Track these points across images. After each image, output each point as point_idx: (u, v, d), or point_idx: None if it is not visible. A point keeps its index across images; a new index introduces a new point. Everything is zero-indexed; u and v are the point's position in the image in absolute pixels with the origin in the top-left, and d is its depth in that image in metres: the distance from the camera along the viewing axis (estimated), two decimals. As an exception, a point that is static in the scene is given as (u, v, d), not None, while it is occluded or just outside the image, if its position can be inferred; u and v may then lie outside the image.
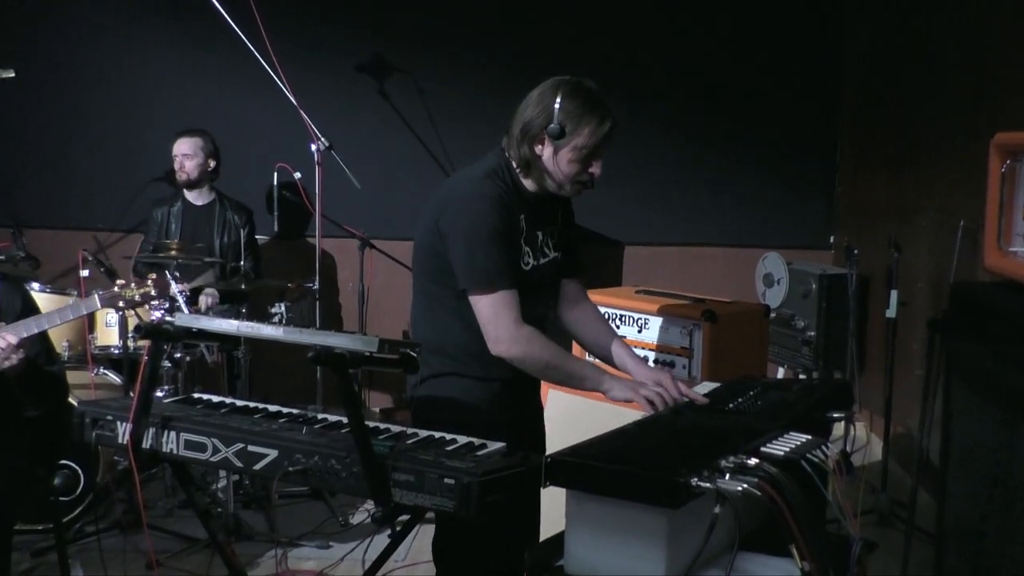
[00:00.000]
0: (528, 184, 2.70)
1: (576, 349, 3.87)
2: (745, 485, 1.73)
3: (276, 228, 5.38)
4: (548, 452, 1.93)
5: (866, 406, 5.71)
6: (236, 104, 6.12)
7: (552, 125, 2.57)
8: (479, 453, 2.26)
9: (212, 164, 5.44)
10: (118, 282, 3.45)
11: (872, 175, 5.95)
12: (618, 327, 3.81)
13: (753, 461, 1.82)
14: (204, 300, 5.13)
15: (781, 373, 5.72)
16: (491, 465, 2.13)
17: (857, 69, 6.22)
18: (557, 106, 2.57)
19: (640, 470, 1.78)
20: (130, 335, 4.57)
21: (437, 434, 2.42)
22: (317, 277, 5.15)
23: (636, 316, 3.82)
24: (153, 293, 3.45)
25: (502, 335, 2.56)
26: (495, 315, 2.56)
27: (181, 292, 4.47)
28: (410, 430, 2.45)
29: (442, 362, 2.70)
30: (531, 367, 2.61)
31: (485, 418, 2.66)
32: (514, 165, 2.68)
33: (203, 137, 5.41)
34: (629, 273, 6.37)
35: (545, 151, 2.62)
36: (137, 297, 3.43)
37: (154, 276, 3.49)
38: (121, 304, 3.46)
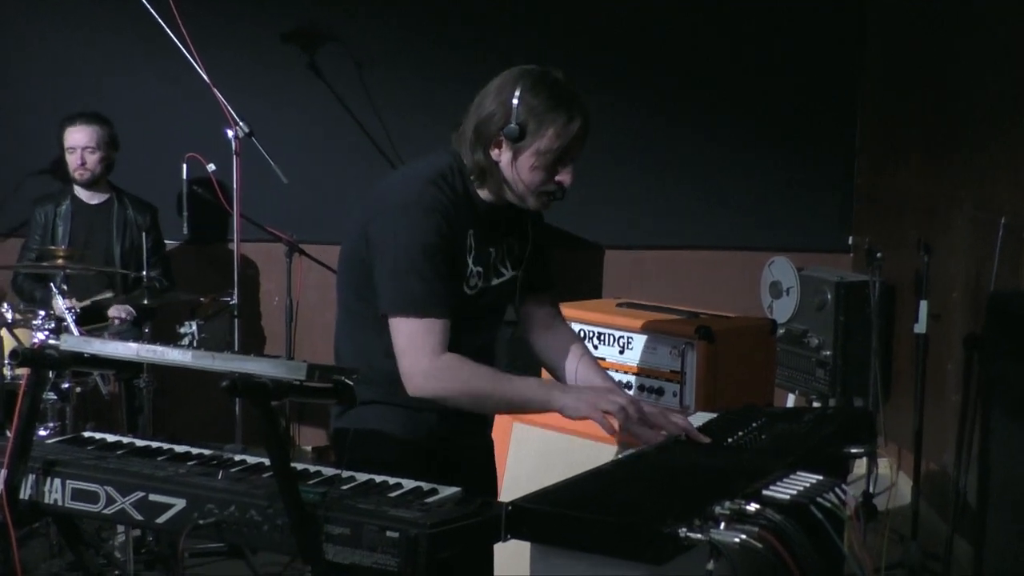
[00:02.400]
0: (483, 193, 2.69)
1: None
2: (744, 535, 1.75)
3: (186, 231, 5.35)
4: (512, 498, 1.94)
5: (892, 439, 5.76)
6: (134, 82, 6.07)
7: (510, 125, 2.56)
8: (428, 500, 2.26)
9: (113, 156, 5.43)
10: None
11: (898, 164, 6.01)
12: (595, 347, 3.83)
13: (753, 507, 1.84)
14: (118, 312, 5.10)
15: (791, 400, 5.76)
16: (443, 515, 2.13)
17: (879, 40, 6.29)
18: (516, 102, 2.55)
19: (618, 519, 1.79)
20: (6, 362, 4.53)
21: (378, 478, 2.42)
22: (235, 290, 5.13)
23: (617, 334, 3.84)
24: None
25: (415, 370, 2.56)
26: (411, 346, 2.56)
27: (70, 309, 4.43)
28: (346, 473, 2.45)
29: (365, 388, 2.70)
30: (459, 403, 2.60)
31: (417, 456, 2.67)
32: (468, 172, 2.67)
33: (102, 125, 5.37)
34: (609, 282, 6.40)
35: (503, 156, 2.61)
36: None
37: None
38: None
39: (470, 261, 2.67)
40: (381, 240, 2.59)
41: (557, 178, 2.62)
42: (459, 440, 2.78)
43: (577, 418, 2.56)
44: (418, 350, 2.55)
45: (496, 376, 2.60)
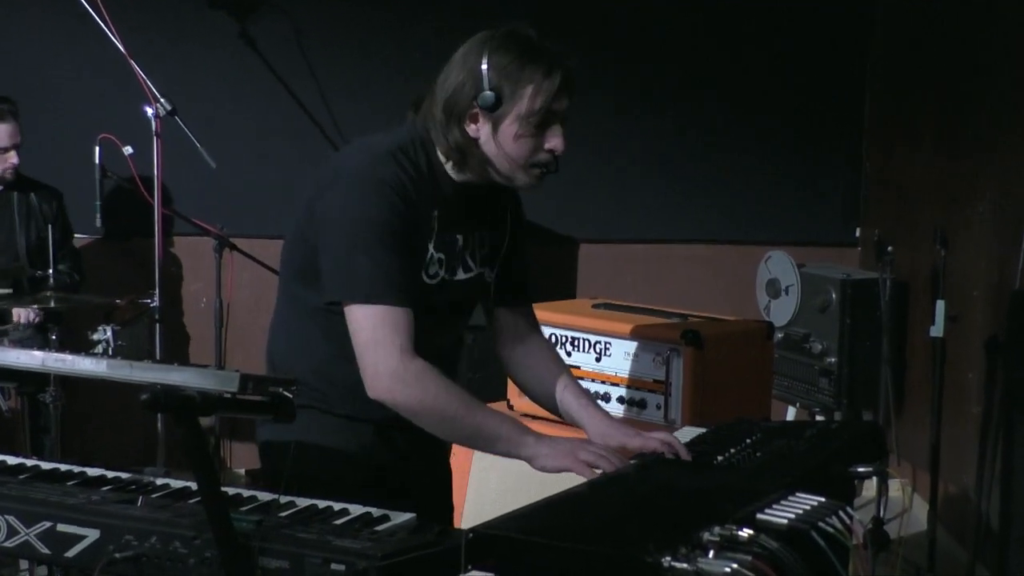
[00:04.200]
0: (454, 173, 2.68)
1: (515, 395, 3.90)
2: (735, 565, 1.76)
3: (99, 224, 5.33)
4: (474, 525, 1.94)
5: (906, 457, 5.80)
6: (36, 53, 6.02)
7: (483, 93, 2.55)
8: (379, 528, 2.27)
9: (19, 140, 5.40)
10: None
11: (912, 149, 6.05)
12: (568, 354, 3.84)
13: (746, 533, 1.85)
14: (25, 314, 5.07)
15: (792, 414, 5.79)
16: (395, 545, 2.13)
17: (890, 9, 6.32)
18: (485, 66, 2.55)
19: (594, 546, 1.80)
20: None
21: (322, 503, 2.42)
22: (157, 291, 5.11)
23: (593, 339, 3.85)
24: None
25: (382, 369, 2.52)
26: (376, 341, 2.52)
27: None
28: (285, 498, 2.45)
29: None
30: (421, 419, 2.57)
31: (354, 475, 2.67)
32: (440, 156, 2.66)
33: (14, 114, 5.28)
34: (585, 281, 6.41)
35: (481, 131, 2.60)
36: None
37: None
38: None
39: (431, 246, 2.66)
40: (328, 217, 2.58)
41: (547, 145, 2.60)
42: (403, 463, 2.77)
43: (551, 470, 2.52)
44: (385, 346, 2.51)
45: (469, 401, 2.57)
